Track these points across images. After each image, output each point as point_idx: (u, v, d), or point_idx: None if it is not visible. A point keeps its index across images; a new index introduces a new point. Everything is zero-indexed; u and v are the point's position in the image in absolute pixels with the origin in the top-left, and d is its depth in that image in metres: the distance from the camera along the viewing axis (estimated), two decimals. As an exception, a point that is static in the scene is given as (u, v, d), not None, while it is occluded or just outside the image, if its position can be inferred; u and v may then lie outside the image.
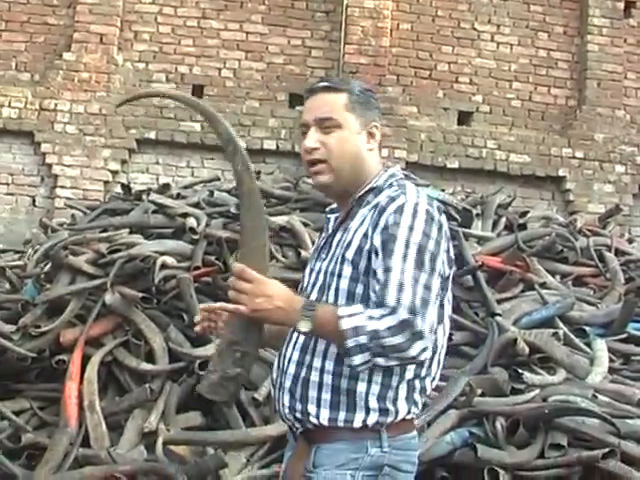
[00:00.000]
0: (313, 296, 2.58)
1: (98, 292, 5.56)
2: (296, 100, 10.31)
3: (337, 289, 2.52)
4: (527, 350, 5.44)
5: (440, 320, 2.53)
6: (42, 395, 5.33)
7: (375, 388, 2.48)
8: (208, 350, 5.17)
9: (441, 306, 2.53)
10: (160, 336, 5.38)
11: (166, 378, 5.25)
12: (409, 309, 2.34)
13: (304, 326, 2.40)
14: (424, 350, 2.37)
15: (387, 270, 2.39)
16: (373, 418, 2.48)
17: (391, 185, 2.60)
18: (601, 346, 5.75)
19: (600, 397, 5.09)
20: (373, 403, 2.47)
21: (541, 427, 4.64)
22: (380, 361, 2.36)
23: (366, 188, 2.61)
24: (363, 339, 2.33)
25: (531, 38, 11.05)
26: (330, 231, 2.72)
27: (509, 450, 4.54)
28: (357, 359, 2.35)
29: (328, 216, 2.80)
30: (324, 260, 2.63)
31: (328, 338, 2.44)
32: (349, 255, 2.51)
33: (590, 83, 10.96)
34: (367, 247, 2.49)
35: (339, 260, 2.54)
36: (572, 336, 5.86)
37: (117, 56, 10.10)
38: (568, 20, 11.17)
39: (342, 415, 2.48)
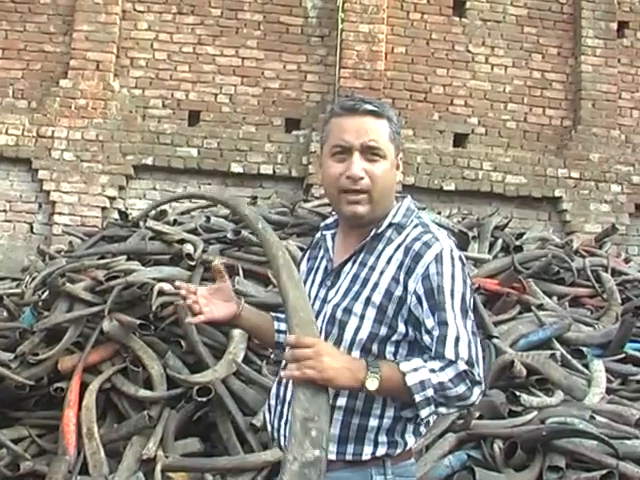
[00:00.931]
0: (318, 325, 2.54)
1: (96, 319, 5.56)
2: (292, 125, 10.37)
3: (358, 328, 2.49)
4: (524, 372, 5.44)
5: None
6: (40, 423, 5.31)
7: (387, 422, 2.49)
8: (206, 376, 5.19)
9: None
10: (158, 363, 5.37)
11: (164, 405, 5.24)
12: (467, 361, 2.37)
13: (372, 384, 2.33)
14: (481, 394, 2.42)
15: (442, 324, 2.40)
16: (382, 451, 2.49)
17: (413, 222, 2.59)
18: (598, 367, 5.76)
19: (598, 418, 5.09)
20: (382, 437, 2.49)
21: (539, 449, 4.63)
22: (443, 410, 2.41)
23: (386, 223, 2.58)
24: (430, 392, 2.34)
25: (525, 60, 11.09)
26: (330, 254, 2.69)
27: (507, 473, 4.54)
28: (424, 412, 2.37)
29: (323, 233, 2.76)
30: (331, 289, 2.60)
31: (392, 394, 2.42)
32: (376, 299, 2.49)
33: (585, 103, 11.00)
34: (398, 293, 2.47)
35: (361, 299, 2.51)
36: (569, 357, 5.87)
37: (114, 82, 10.13)
38: (562, 41, 11.22)
39: (350, 449, 2.49)
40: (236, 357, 5.30)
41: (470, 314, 2.46)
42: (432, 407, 2.36)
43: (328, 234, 2.74)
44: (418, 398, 2.34)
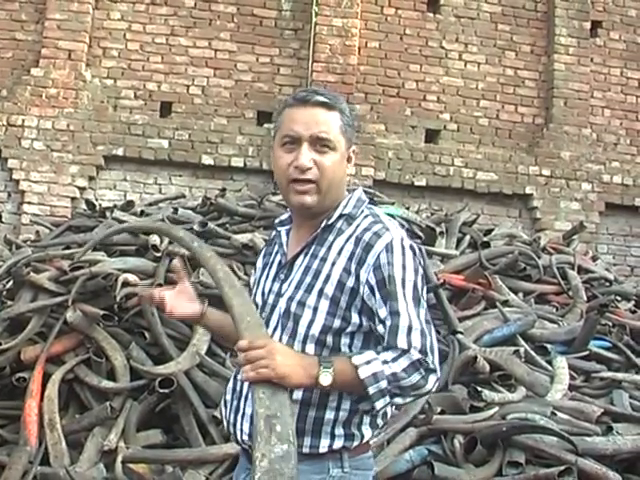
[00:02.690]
0: (274, 319, 2.56)
1: (60, 309, 5.54)
2: (264, 118, 10.34)
3: (312, 321, 2.49)
4: (487, 368, 5.46)
5: None
6: (2, 413, 5.29)
7: (343, 415, 2.49)
8: (169, 368, 5.18)
9: None
10: (121, 354, 5.36)
11: (127, 396, 5.24)
12: (420, 350, 2.38)
13: (326, 380, 2.35)
14: (437, 381, 2.43)
15: (394, 313, 2.41)
16: (339, 443, 2.49)
17: (363, 213, 2.59)
18: (562, 364, 5.78)
19: (559, 414, 5.12)
20: (339, 429, 2.49)
21: (499, 445, 4.66)
22: (399, 400, 2.41)
23: (336, 214, 2.58)
24: (384, 384, 2.35)
25: (498, 57, 11.13)
26: (285, 248, 2.68)
27: (467, 468, 4.56)
28: (379, 404, 2.38)
29: (278, 229, 2.76)
30: (284, 282, 2.60)
31: (346, 388, 2.42)
32: (328, 290, 2.49)
33: (557, 102, 11.05)
34: (350, 284, 2.47)
35: (314, 292, 2.51)
36: (533, 354, 5.89)
37: (85, 72, 10.07)
38: (535, 39, 11.27)
39: (307, 441, 2.48)
40: (199, 349, 5.29)
41: (423, 302, 2.46)
42: (387, 398, 2.37)
43: (283, 230, 2.74)
44: (372, 390, 2.35)
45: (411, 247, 2.50)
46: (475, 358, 5.43)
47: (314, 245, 2.59)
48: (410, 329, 2.39)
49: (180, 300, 2.80)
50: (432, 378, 2.40)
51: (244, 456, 2.66)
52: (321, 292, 2.50)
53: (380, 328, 2.43)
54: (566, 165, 10.92)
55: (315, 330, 2.49)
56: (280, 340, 2.52)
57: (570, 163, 10.93)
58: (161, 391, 5.06)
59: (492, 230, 8.19)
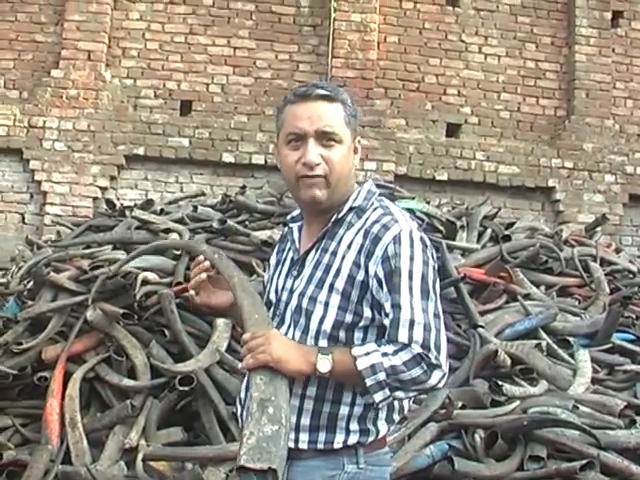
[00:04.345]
0: (287, 316, 2.56)
1: (80, 309, 5.57)
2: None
3: (323, 317, 2.48)
4: (509, 362, 5.43)
5: None
6: (24, 412, 5.32)
7: (357, 410, 2.47)
8: (189, 366, 5.19)
9: None
10: (142, 352, 5.37)
11: (148, 394, 5.25)
12: (422, 344, 2.35)
13: (324, 366, 2.37)
14: (443, 377, 2.39)
15: (396, 306, 2.39)
16: (354, 439, 2.47)
17: (373, 205, 2.57)
18: (584, 357, 5.75)
19: (581, 408, 5.10)
20: (354, 425, 2.47)
21: (520, 439, 4.65)
22: (400, 394, 2.39)
23: (346, 207, 2.56)
24: (382, 376, 2.34)
25: (519, 49, 11.05)
26: (297, 244, 2.67)
27: (488, 462, 4.55)
28: (378, 396, 2.36)
29: (290, 225, 2.75)
30: (297, 279, 2.58)
31: (346, 379, 2.42)
32: (339, 285, 2.48)
33: (578, 93, 10.96)
34: (360, 277, 2.46)
35: (325, 287, 2.49)
36: (555, 347, 5.86)
37: (105, 73, 10.10)
38: (556, 31, 11.18)
39: (322, 437, 2.47)
40: (219, 346, 5.29)
41: (432, 295, 2.43)
42: (386, 391, 2.35)
43: (295, 226, 2.73)
44: (369, 382, 2.34)
45: (421, 239, 2.48)
46: (496, 352, 5.41)
47: (325, 239, 2.57)
48: (412, 323, 2.37)
49: (213, 290, 2.77)
50: (437, 374, 2.37)
51: None
52: (332, 287, 2.48)
53: (386, 321, 2.42)
54: (589, 157, 10.83)
55: (327, 326, 2.47)
56: (293, 337, 2.51)
57: (593, 155, 10.84)
58: (181, 389, 5.06)
59: (514, 223, 8.13)
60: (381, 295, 2.43)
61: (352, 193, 2.59)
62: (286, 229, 2.80)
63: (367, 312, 2.46)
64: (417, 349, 2.34)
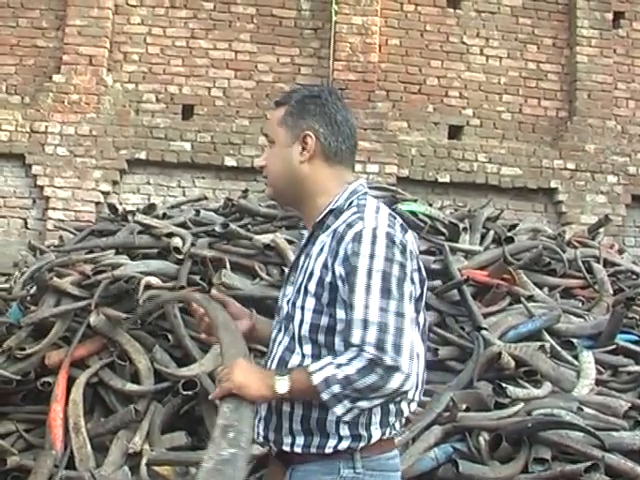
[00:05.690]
0: (283, 323, 2.57)
1: (83, 314, 5.56)
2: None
3: (301, 322, 2.47)
4: (512, 364, 5.41)
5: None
6: (28, 417, 5.32)
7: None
8: (193, 370, 5.19)
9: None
10: (145, 357, 5.37)
11: (151, 398, 5.25)
12: (375, 346, 2.30)
13: (282, 387, 2.37)
14: (406, 379, 2.33)
15: (349, 307, 2.36)
16: (345, 444, 2.44)
17: (352, 205, 2.52)
18: (588, 358, 5.73)
19: (585, 410, 5.08)
20: (344, 430, 2.43)
21: (525, 441, 4.62)
22: (364, 404, 2.35)
23: (326, 210, 2.55)
24: (336, 389, 2.31)
25: (520, 51, 11.07)
26: (298, 252, 2.70)
27: (492, 465, 4.53)
28: (338, 409, 2.34)
29: (301, 232, 2.82)
30: (292, 285, 2.59)
31: (307, 396, 2.40)
32: (311, 287, 2.46)
33: (580, 94, 10.98)
34: (328, 279, 2.43)
35: (301, 291, 2.49)
36: (559, 349, 5.83)
37: (107, 77, 10.12)
38: (557, 32, 11.20)
39: (315, 441, 2.45)
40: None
41: (395, 294, 2.36)
42: (346, 403, 2.33)
43: (305, 232, 2.76)
44: (325, 396, 2.33)
45: (388, 235, 2.41)
46: (500, 354, 5.39)
47: (309, 244, 2.58)
48: (366, 323, 2.32)
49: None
50: (397, 377, 2.31)
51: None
52: (306, 290, 2.48)
53: (340, 326, 2.42)
54: (591, 158, 10.84)
55: (305, 330, 2.46)
56: (281, 342, 2.54)
57: (595, 156, 10.85)
58: (185, 393, 5.06)
59: (516, 225, 8.11)
60: (347, 296, 2.40)
61: (337, 195, 2.57)
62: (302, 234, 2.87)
63: (340, 314, 2.42)
64: (370, 353, 2.30)
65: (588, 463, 4.46)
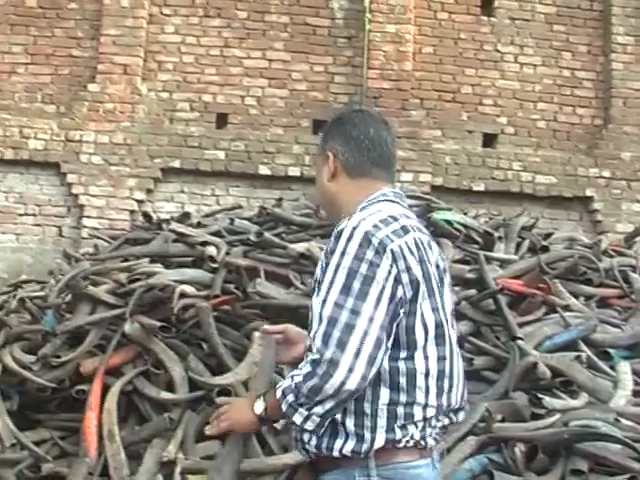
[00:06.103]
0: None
1: (118, 322, 5.59)
2: (320, 126, 10.29)
3: (311, 322, 2.49)
4: (548, 374, 5.37)
5: (414, 345, 2.44)
6: (62, 425, 5.37)
7: (351, 416, 2.43)
8: (227, 379, 5.19)
9: (412, 332, 2.43)
10: (180, 365, 5.39)
11: (185, 407, 5.27)
12: (321, 340, 2.34)
13: (258, 408, 2.48)
14: (348, 377, 2.31)
15: (310, 307, 2.45)
16: (349, 446, 2.41)
17: (361, 210, 2.57)
18: (625, 369, 5.67)
19: (623, 421, 5.01)
20: (350, 431, 2.42)
21: (561, 453, 4.58)
22: (318, 410, 2.36)
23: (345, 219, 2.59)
24: (290, 398, 2.36)
25: (555, 58, 10.97)
26: None
27: (528, 477, 4.49)
28: (296, 418, 2.38)
29: None
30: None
31: (280, 411, 2.44)
32: (316, 289, 2.53)
33: (615, 101, 10.86)
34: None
35: (314, 295, 2.54)
36: (595, 359, 5.79)
37: (141, 86, 10.16)
38: (592, 39, 11.10)
39: (324, 443, 2.44)
40: (257, 359, 5.27)
41: (357, 292, 2.35)
42: (302, 411, 2.37)
43: None
44: (284, 407, 2.39)
45: (367, 234, 2.41)
46: (536, 364, 5.35)
47: None
48: (320, 318, 2.38)
49: (288, 348, 2.82)
50: (337, 375, 2.30)
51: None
52: (313, 292, 2.54)
53: None
54: (627, 166, 10.72)
55: (311, 335, 2.47)
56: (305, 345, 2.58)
57: (631, 164, 10.73)
58: (219, 402, 5.05)
59: (552, 234, 8.07)
60: None
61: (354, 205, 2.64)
62: None
63: None
64: (314, 354, 2.35)
65: (626, 476, 4.42)
